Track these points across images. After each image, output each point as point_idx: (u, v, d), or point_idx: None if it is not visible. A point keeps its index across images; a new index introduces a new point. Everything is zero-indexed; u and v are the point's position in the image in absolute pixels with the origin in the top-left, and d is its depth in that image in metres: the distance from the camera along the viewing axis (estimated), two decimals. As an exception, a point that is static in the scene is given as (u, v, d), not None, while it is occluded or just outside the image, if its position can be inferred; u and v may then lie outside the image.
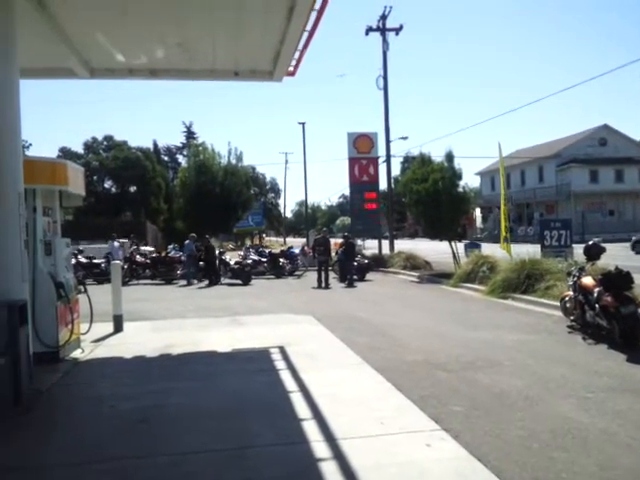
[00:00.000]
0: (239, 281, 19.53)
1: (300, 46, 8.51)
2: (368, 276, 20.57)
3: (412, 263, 22.92)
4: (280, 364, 7.21)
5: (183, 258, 21.98)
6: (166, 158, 69.36)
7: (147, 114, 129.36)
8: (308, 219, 55.82)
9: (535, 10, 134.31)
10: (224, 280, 20.22)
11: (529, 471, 3.95)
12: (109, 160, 53.44)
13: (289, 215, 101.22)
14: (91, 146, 56.51)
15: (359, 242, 28.61)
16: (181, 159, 65.97)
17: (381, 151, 28.28)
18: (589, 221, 46.22)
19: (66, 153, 52.53)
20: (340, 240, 23.68)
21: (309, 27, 7.78)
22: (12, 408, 5.32)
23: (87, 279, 18.24)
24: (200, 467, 4.09)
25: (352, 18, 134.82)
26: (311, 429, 4.78)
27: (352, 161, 27.62)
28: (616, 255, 19.08)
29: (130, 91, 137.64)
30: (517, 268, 13.66)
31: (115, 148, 54.91)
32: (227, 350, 8.09)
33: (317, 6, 7.12)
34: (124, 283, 14.68)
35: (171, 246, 27.09)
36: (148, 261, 21.34)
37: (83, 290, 8.71)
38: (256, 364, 7.20)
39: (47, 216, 8.03)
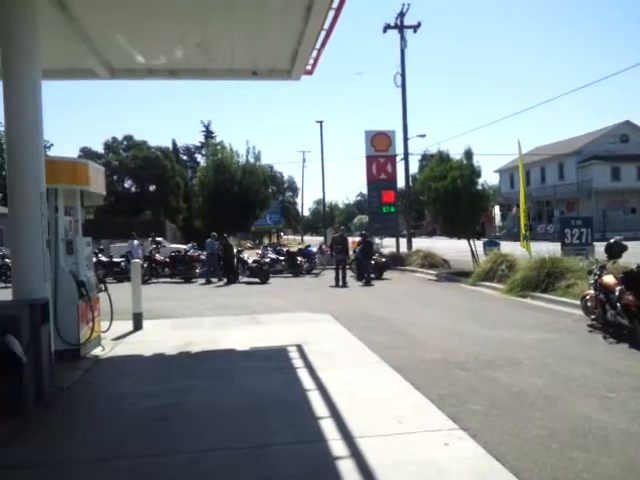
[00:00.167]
0: (257, 280, 19.60)
1: (318, 45, 8.52)
2: (385, 274, 20.51)
3: (430, 261, 22.80)
4: (298, 362, 7.23)
5: (202, 257, 22.15)
6: (185, 157, 69.85)
7: (166, 114, 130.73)
8: (326, 217, 55.87)
9: (554, 8, 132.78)
10: (242, 279, 20.32)
11: (548, 471, 3.92)
12: (129, 160, 54.01)
13: (307, 214, 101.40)
14: (111, 146, 57.18)
15: (377, 240, 28.51)
16: (200, 158, 66.38)
17: (399, 149, 28.20)
18: (610, 219, 45.64)
19: (87, 153, 53.22)
20: (358, 239, 23.63)
21: (327, 26, 7.79)
22: (34, 405, 5.39)
23: (107, 277, 18.49)
24: (218, 465, 4.12)
25: (370, 16, 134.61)
26: (329, 427, 4.79)
27: (370, 159, 27.54)
28: (638, 253, 18.79)
29: (149, 91, 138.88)
30: (537, 266, 13.53)
31: (135, 148, 55.47)
32: (245, 348, 8.13)
33: (335, 5, 7.12)
34: (144, 282, 14.78)
35: (190, 244, 27.29)
36: (167, 260, 21.51)
37: (104, 288, 8.81)
38: (274, 362, 7.23)
39: (69, 215, 8.15)
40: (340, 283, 17.87)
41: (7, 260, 18.59)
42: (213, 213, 27.72)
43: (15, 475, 4.10)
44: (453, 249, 26.28)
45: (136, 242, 23.78)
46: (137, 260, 13.00)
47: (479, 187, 20.08)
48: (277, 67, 9.94)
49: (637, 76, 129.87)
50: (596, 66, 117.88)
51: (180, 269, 21.19)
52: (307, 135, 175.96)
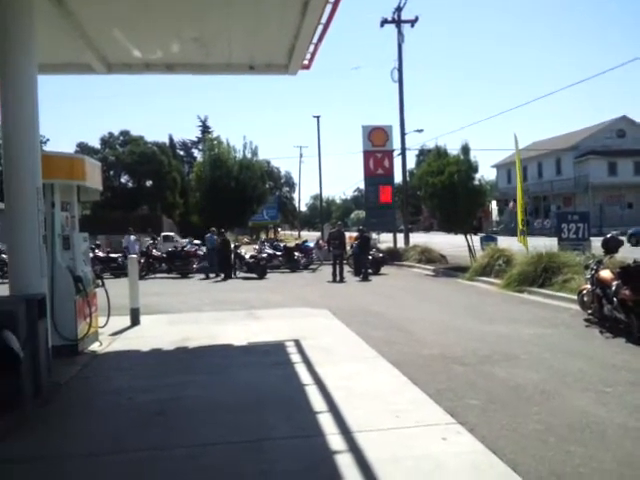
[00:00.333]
0: (254, 275, 19.61)
1: (315, 39, 8.50)
2: (383, 270, 20.53)
3: (427, 256, 22.84)
4: (296, 357, 7.23)
5: (200, 252, 22.11)
6: (182, 152, 69.73)
7: (163, 109, 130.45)
8: (323, 213, 55.76)
9: (552, 2, 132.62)
10: (239, 274, 20.32)
11: (546, 465, 3.93)
12: (125, 155, 53.90)
13: (304, 209, 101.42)
14: (108, 141, 57.05)
15: (374, 236, 28.55)
16: (196, 153, 66.25)
17: (396, 144, 28.20)
18: (607, 214, 45.72)
19: (83, 148, 53.10)
20: (355, 234, 23.65)
21: (324, 20, 7.76)
22: (31, 400, 5.39)
23: (104, 273, 18.47)
24: (217, 459, 4.13)
25: (367, 10, 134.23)
26: (327, 422, 4.79)
27: (367, 154, 27.52)
28: (634, 248, 18.83)
29: (146, 86, 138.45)
30: (534, 261, 13.56)
31: (131, 143, 55.36)
32: (243, 343, 8.13)
33: (332, -2, 7.10)
34: (141, 277, 14.78)
35: (187, 240, 27.25)
36: (164, 255, 21.50)
37: (101, 284, 8.81)
38: (272, 357, 7.24)
39: (65, 211, 8.13)
40: (337, 278, 17.88)
41: (4, 256, 18.54)
42: (210, 208, 27.65)
43: (13, 469, 4.10)
44: (450, 244, 26.32)
45: (133, 237, 23.75)
46: (134, 255, 12.99)
47: (476, 182, 20.07)
48: (274, 62, 9.91)
49: (634, 71, 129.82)
50: (593, 61, 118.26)
51: (177, 264, 21.18)
52: (304, 130, 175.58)
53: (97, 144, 56.82)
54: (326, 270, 19.91)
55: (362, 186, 30.90)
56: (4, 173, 6.26)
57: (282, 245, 25.37)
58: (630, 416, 4.86)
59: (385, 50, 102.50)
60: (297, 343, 8.01)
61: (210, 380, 6.26)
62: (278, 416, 4.99)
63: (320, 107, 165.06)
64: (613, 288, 8.23)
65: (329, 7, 7.34)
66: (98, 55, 9.21)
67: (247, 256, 20.59)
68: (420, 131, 32.59)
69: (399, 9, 27.35)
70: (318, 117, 44.98)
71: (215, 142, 30.47)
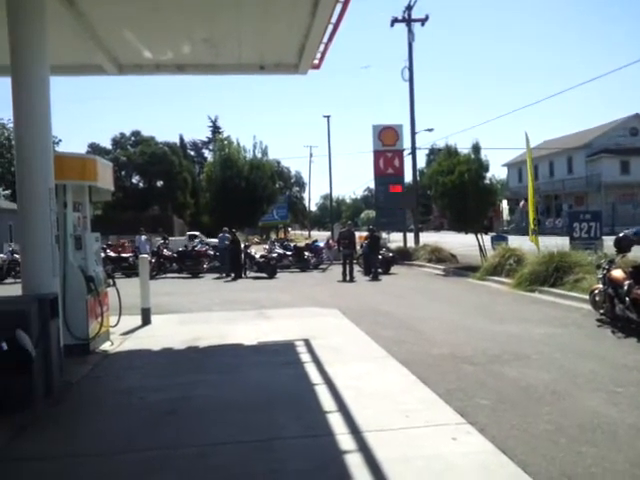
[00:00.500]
0: (264, 274, 19.66)
1: (325, 39, 8.50)
2: (393, 269, 20.50)
3: (437, 256, 22.78)
4: (305, 357, 7.24)
5: (210, 252, 22.18)
6: (192, 153, 70.05)
7: (173, 109, 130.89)
8: (333, 212, 55.83)
9: (562, 2, 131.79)
10: (250, 274, 20.37)
11: (557, 466, 3.91)
12: (137, 155, 54.24)
13: (314, 208, 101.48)
14: (119, 142, 57.44)
15: (384, 235, 28.50)
16: (207, 154, 66.51)
17: (406, 143, 28.14)
18: (620, 213, 45.31)
19: (95, 149, 53.48)
20: (365, 233, 23.62)
21: (334, 19, 7.76)
22: (43, 400, 5.44)
23: (116, 273, 18.60)
24: (227, 458, 4.14)
25: (377, 9, 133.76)
26: (336, 422, 4.80)
27: (377, 154, 27.49)
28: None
29: (157, 87, 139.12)
30: (545, 261, 13.49)
31: (142, 143, 55.71)
32: (253, 343, 8.15)
33: (342, -2, 7.10)
34: (152, 277, 14.89)
35: (197, 239, 27.37)
36: (175, 255, 21.59)
37: (112, 283, 8.86)
38: (282, 357, 7.25)
39: (77, 211, 8.19)
40: (347, 278, 17.87)
41: (16, 255, 18.72)
42: (220, 208, 27.73)
43: (24, 468, 4.14)
44: (461, 244, 26.23)
45: (144, 237, 23.89)
46: (145, 255, 13.07)
47: (487, 181, 20.02)
48: (284, 61, 9.93)
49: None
50: (606, 59, 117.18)
51: (188, 264, 21.25)
52: (314, 130, 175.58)
53: (108, 145, 57.31)
54: (336, 270, 19.91)
55: (372, 185, 30.87)
56: (17, 174, 6.34)
57: (292, 245, 25.41)
58: (642, 417, 4.82)
59: (395, 49, 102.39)
60: (307, 343, 8.02)
61: (221, 379, 6.29)
62: (288, 415, 5.00)
63: (330, 106, 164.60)
64: (625, 288, 8.17)
65: (339, 7, 7.34)
66: (109, 56, 9.27)
67: (257, 256, 20.64)
68: (430, 130, 32.44)
69: (409, 8, 27.30)
70: (328, 117, 45.14)
71: (225, 142, 30.58)
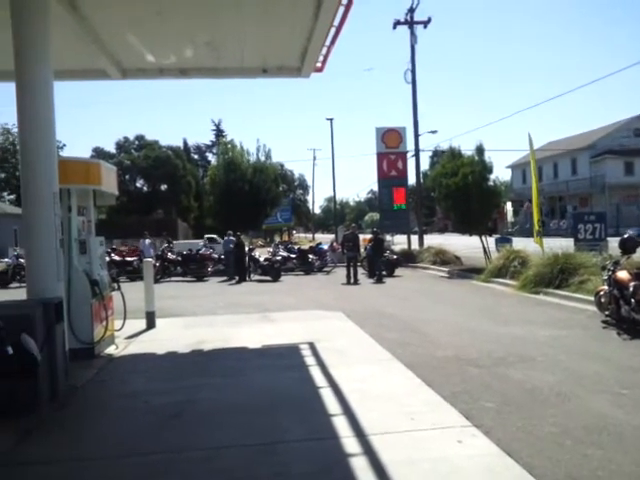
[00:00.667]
0: (268, 277, 19.65)
1: (327, 42, 8.50)
2: (397, 271, 20.47)
3: (442, 258, 22.71)
4: (310, 360, 7.24)
5: (214, 255, 22.20)
6: (196, 156, 70.24)
7: (177, 113, 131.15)
8: (337, 215, 55.84)
9: (564, 2, 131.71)
10: (254, 277, 20.37)
11: (563, 468, 3.90)
12: (140, 159, 54.45)
13: (318, 211, 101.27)
14: (123, 146, 57.65)
15: (388, 237, 28.46)
16: (211, 157, 66.66)
17: (410, 146, 28.14)
18: (624, 214, 45.19)
19: (99, 153, 53.69)
20: (369, 236, 23.60)
21: (336, 22, 7.77)
22: (48, 403, 5.45)
23: (120, 276, 18.62)
24: (231, 462, 4.14)
25: (379, 12, 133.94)
26: (341, 424, 4.79)
27: (380, 156, 27.46)
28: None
29: (160, 91, 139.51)
30: (550, 262, 13.45)
31: (146, 147, 55.91)
32: (257, 346, 8.15)
33: (344, 1, 7.10)
34: (156, 280, 14.91)
35: (201, 243, 27.38)
36: (179, 258, 21.60)
37: (117, 287, 8.88)
38: (286, 360, 7.25)
39: (82, 215, 8.21)
40: (351, 280, 17.86)
41: (21, 260, 18.75)
42: (224, 212, 27.74)
43: (30, 472, 4.15)
44: (465, 246, 26.17)
45: (148, 241, 23.90)
46: (149, 259, 13.08)
47: (491, 183, 19.98)
48: (287, 64, 9.94)
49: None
50: (609, 60, 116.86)
51: (192, 268, 21.27)
52: (317, 132, 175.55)
53: (112, 149, 57.52)
54: (340, 272, 19.91)
55: (376, 188, 30.86)
56: (21, 178, 6.36)
57: (296, 248, 25.40)
58: (648, 418, 4.80)
59: (398, 52, 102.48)
60: (311, 345, 8.01)
61: (225, 383, 6.29)
62: (292, 419, 5.00)
63: (333, 109, 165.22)
64: (631, 289, 8.14)
65: (341, 10, 7.35)
66: (113, 60, 9.30)
67: (261, 259, 20.64)
68: (434, 132, 32.64)
69: (412, 10, 27.32)
70: (331, 119, 45.26)
71: (229, 145, 30.59)
